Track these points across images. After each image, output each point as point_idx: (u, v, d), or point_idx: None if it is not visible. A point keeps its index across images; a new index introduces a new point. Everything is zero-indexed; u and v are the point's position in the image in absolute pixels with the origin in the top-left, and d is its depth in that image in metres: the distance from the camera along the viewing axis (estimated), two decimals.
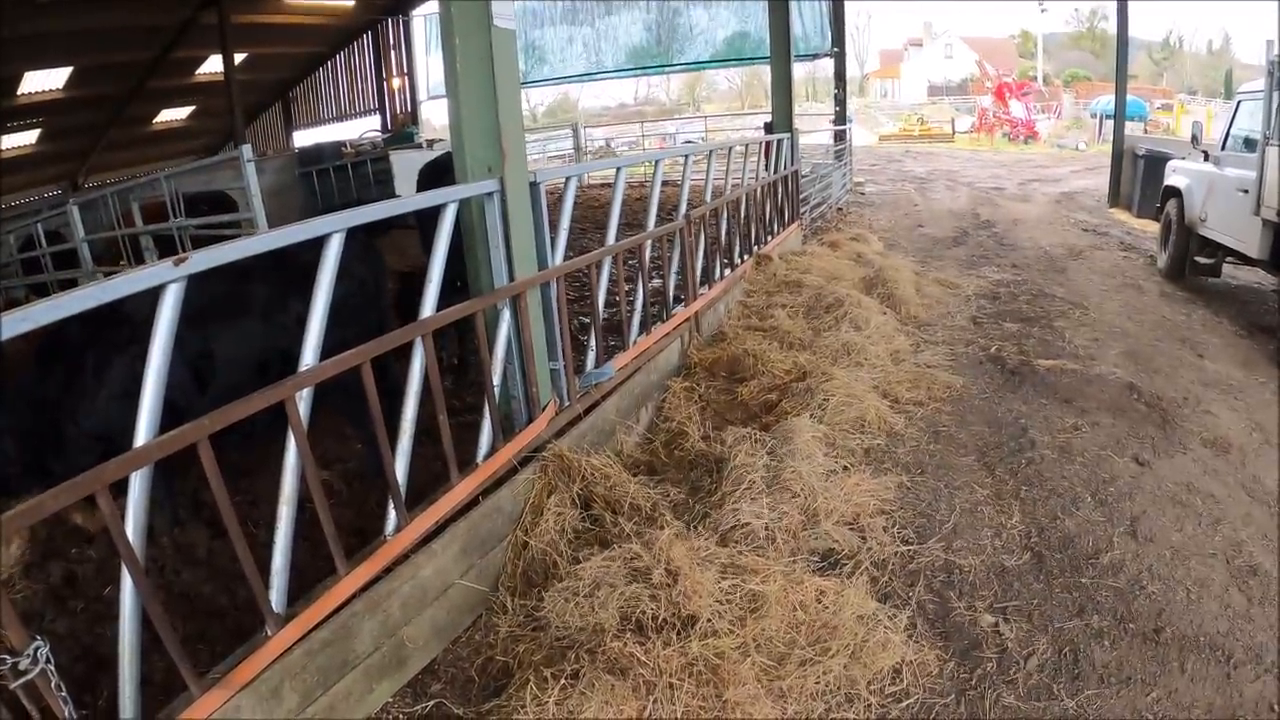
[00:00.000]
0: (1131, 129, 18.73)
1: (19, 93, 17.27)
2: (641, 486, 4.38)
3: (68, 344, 3.82)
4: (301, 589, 3.02)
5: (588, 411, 4.87)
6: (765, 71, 14.08)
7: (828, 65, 20.51)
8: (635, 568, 3.54)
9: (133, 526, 2.50)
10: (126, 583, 2.45)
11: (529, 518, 4.03)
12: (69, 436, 3.78)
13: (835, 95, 19.59)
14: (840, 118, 19.10)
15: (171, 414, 2.61)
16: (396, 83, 24.91)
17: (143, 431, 2.53)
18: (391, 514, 3.39)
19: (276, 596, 2.87)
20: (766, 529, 3.96)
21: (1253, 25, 47.24)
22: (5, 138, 19.05)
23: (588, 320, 5.27)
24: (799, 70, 19.49)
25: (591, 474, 4.26)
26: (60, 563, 4.33)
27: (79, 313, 2.32)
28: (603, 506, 4.17)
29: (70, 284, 9.99)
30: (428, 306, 3.67)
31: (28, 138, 19.79)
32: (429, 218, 4.00)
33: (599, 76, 24.24)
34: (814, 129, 21.15)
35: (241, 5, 18.07)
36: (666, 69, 24.31)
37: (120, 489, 2.44)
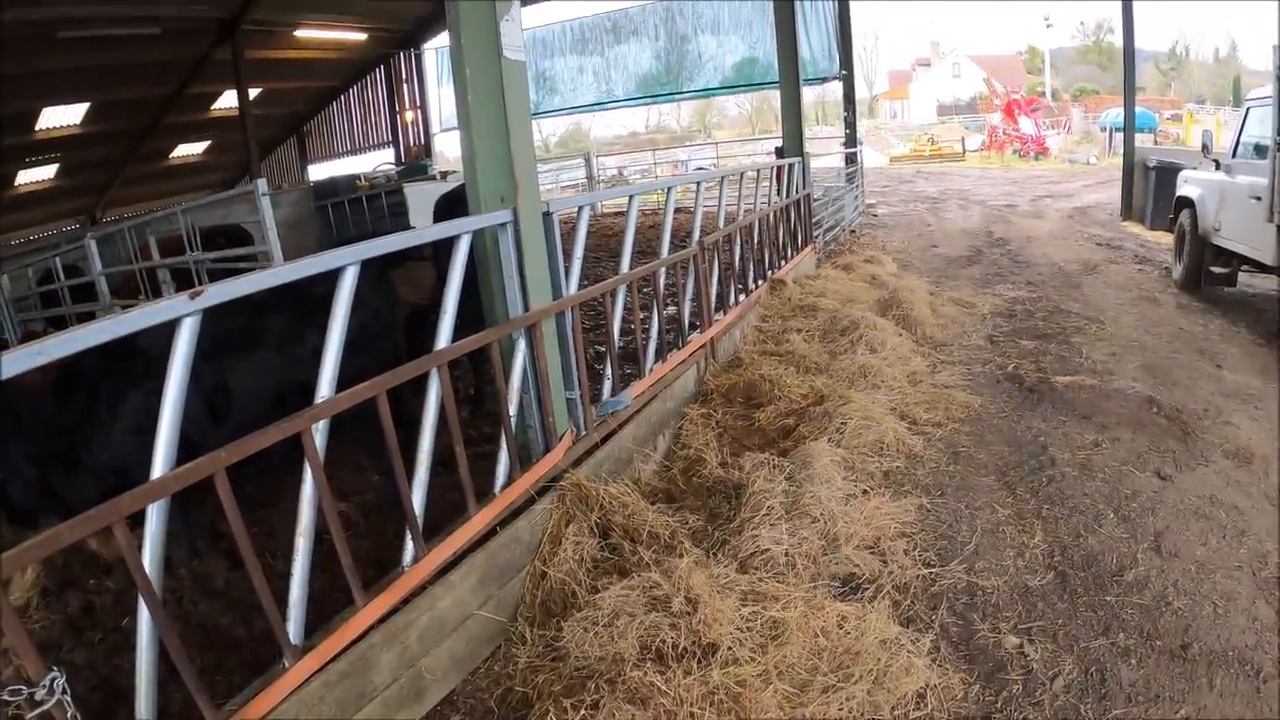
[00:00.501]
0: (1142, 141, 18.75)
1: (37, 128, 17.61)
2: (660, 514, 4.36)
3: (84, 377, 3.84)
4: (319, 620, 3.01)
5: (605, 440, 4.86)
6: (775, 96, 14.13)
7: (837, 88, 20.57)
8: (654, 596, 3.52)
9: (150, 558, 2.50)
10: (144, 614, 2.45)
11: (547, 547, 4.02)
12: (86, 468, 3.80)
13: (845, 118, 19.63)
14: (850, 140, 19.13)
15: (186, 449, 2.62)
16: (409, 115, 25.11)
17: (159, 464, 2.54)
18: (409, 545, 3.39)
19: (294, 628, 2.86)
20: (786, 555, 3.93)
21: (1259, 30, 47.35)
22: (24, 172, 19.45)
23: (603, 349, 5.27)
24: (808, 94, 19.53)
25: (609, 502, 4.25)
26: (78, 593, 4.35)
27: (95, 346, 2.34)
28: (621, 535, 4.15)
29: (88, 317, 10.09)
30: (443, 337, 3.67)
31: (46, 172, 20.15)
32: (445, 249, 4.02)
33: (610, 105, 24.40)
34: (825, 152, 21.17)
35: (255, 41, 18.33)
36: (677, 96, 24.51)
37: (137, 520, 2.44)
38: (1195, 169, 10.24)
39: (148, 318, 2.48)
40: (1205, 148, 9.76)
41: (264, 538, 4.41)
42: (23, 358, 2.19)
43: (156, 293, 9.40)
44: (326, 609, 3.11)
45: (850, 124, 19.34)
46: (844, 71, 19.21)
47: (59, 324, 11.10)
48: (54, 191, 21.06)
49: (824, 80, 19.84)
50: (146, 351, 3.55)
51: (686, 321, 6.34)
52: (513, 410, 4.12)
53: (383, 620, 3.17)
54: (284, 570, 2.95)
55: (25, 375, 2.23)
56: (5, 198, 19.67)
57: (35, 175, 20.13)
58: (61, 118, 18.09)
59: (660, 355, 5.80)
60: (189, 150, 23.62)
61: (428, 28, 23.11)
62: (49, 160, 19.77)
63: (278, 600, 2.79)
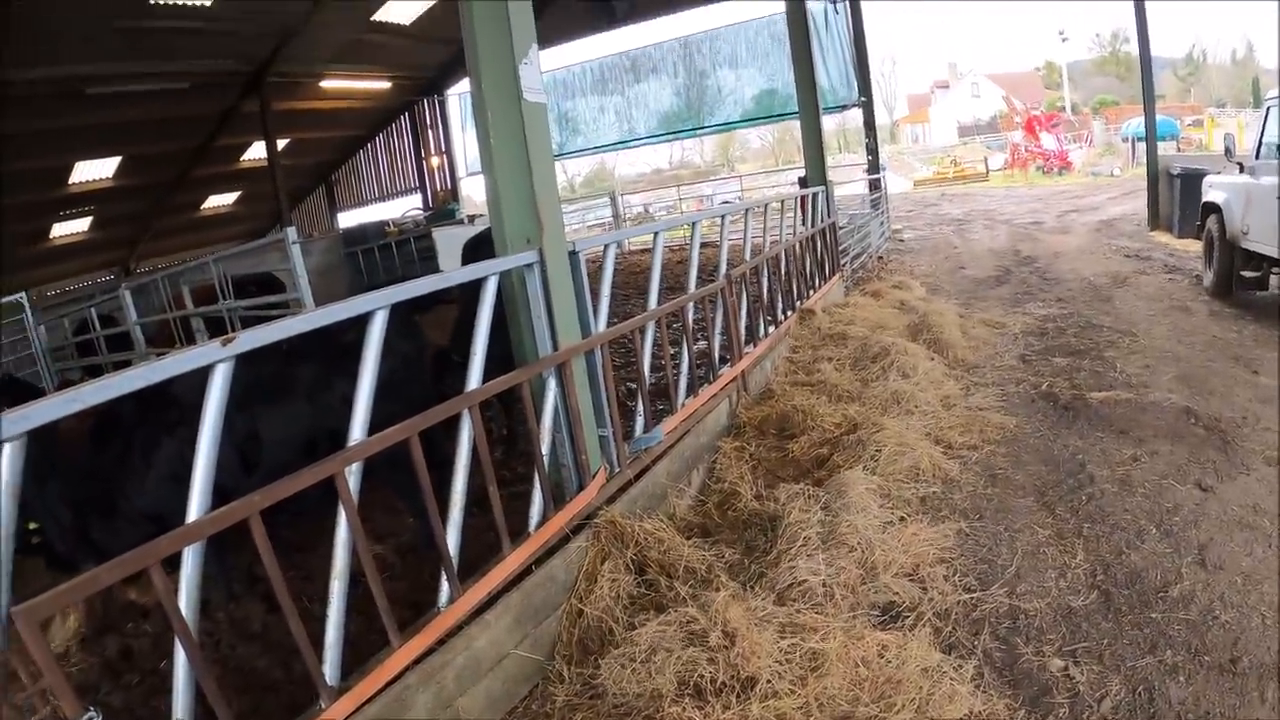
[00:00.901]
0: (1164, 149, 18.58)
1: (70, 182, 18.17)
2: (696, 549, 4.33)
3: (121, 424, 3.91)
4: (356, 662, 3.01)
5: (638, 476, 4.83)
6: (796, 127, 14.21)
7: (857, 115, 20.65)
8: (692, 631, 3.50)
9: (186, 601, 2.52)
10: (181, 656, 2.47)
11: (583, 585, 4.00)
12: (122, 514, 3.86)
13: (866, 144, 19.69)
14: (873, 166, 19.17)
15: (218, 496, 2.65)
16: (435, 161, 25.42)
17: (195, 507, 2.57)
18: (444, 586, 3.39)
19: (330, 669, 2.87)
20: (824, 585, 3.89)
21: (1274, 29, 46.77)
22: (59, 225, 20.10)
23: (634, 385, 5.28)
24: (829, 122, 19.60)
25: (645, 539, 4.22)
26: (116, 637, 4.41)
27: (131, 393, 2.38)
28: (657, 571, 4.12)
29: (124, 366, 10.18)
30: (473, 378, 3.70)
31: (80, 225, 20.77)
32: (472, 292, 4.05)
33: (633, 143, 24.59)
34: (849, 179, 21.21)
35: (281, 93, 18.67)
36: (698, 131, 24.63)
37: (174, 564, 2.47)
38: (1219, 173, 10.11)
39: (181, 364, 2.53)
40: (1228, 151, 9.64)
41: (300, 581, 4.44)
42: (59, 404, 2.24)
43: (191, 341, 9.54)
44: (363, 651, 3.12)
45: (872, 150, 19.40)
46: (863, 98, 19.29)
47: (95, 373, 11.27)
48: (88, 244, 21.67)
49: (844, 108, 19.94)
50: (180, 400, 3.61)
51: (717, 355, 6.33)
52: (545, 449, 4.12)
53: (419, 661, 3.17)
54: (320, 613, 2.96)
55: (62, 422, 2.28)
56: (41, 250, 20.36)
57: (70, 228, 20.77)
58: (94, 171, 18.65)
59: (692, 390, 5.79)
60: (220, 201, 24.12)
61: (449, 74, 23.44)
62: (83, 213, 20.36)
63: (314, 642, 2.80)
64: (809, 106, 12.30)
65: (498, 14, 4.00)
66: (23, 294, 12.64)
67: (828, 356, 7.54)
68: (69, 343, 12.59)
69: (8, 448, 2.21)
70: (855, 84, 19.16)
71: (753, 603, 3.71)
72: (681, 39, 22.48)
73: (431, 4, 17.63)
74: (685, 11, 21.53)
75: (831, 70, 18.94)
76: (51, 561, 3.99)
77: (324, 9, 15.99)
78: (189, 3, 13.89)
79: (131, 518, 3.87)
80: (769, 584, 3.95)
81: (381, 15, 17.53)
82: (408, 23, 18.49)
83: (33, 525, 3.85)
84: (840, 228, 12.11)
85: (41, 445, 2.32)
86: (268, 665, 4.00)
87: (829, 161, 12.26)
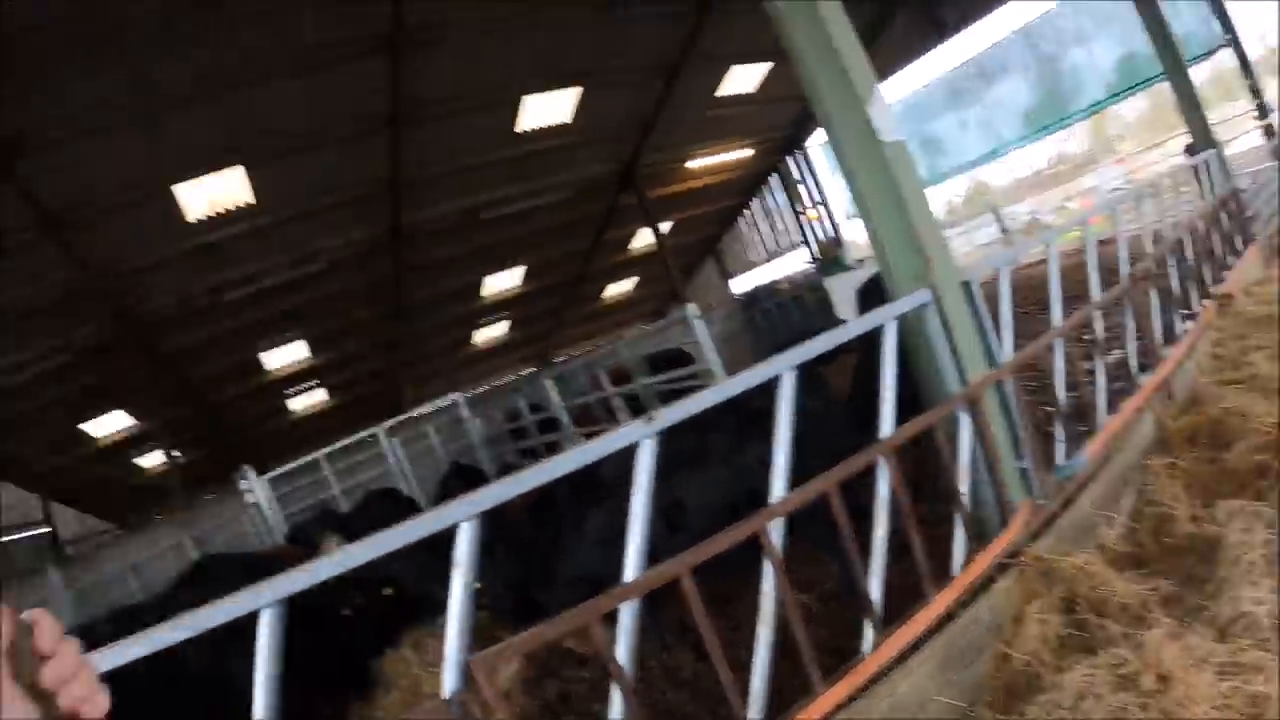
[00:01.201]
0: None
1: (483, 294, 21.52)
2: (1128, 582, 3.96)
3: (553, 495, 4.46)
4: (780, 707, 3.15)
5: (1063, 507, 4.58)
6: (1167, 89, 12.58)
7: (1228, 57, 17.79)
8: (1122, 674, 3.23)
9: (623, 651, 2.81)
10: (616, 700, 2.76)
11: (1009, 628, 3.86)
12: (556, 575, 4.35)
13: (1249, 87, 16.87)
14: (1262, 111, 16.43)
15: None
16: (812, 213, 25.68)
17: (631, 568, 2.87)
18: (868, 632, 3.46)
19: (754, 714, 3.04)
20: (1270, 617, 3.41)
21: None
22: (479, 332, 24.11)
23: (1049, 410, 5.04)
24: (1202, 71, 17.12)
25: (1073, 575, 3.97)
26: (555, 682, 4.93)
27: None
28: (1086, 609, 3.85)
29: (554, 446, 11.70)
30: (886, 425, 3.77)
31: (499, 329, 24.47)
32: (866, 338, 4.16)
33: (1002, 152, 23.35)
34: (1240, 131, 18.39)
35: (654, 182, 19.89)
36: (1065, 121, 22.82)
37: (611, 618, 2.78)
38: None
39: (611, 444, 2.86)
40: None
41: (728, 631, 4.68)
42: (504, 488, 2.69)
43: (612, 419, 10.44)
44: (786, 696, 3.24)
45: (1256, 92, 16.60)
46: (1228, 35, 16.55)
47: (528, 454, 12.98)
48: (507, 343, 25.15)
49: (1210, 53, 17.29)
50: (604, 481, 4.04)
51: (1135, 364, 5.86)
52: (964, 488, 4.09)
53: (841, 707, 3.25)
54: (746, 660, 3.14)
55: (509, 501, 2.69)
56: (466, 355, 24.51)
57: (490, 333, 24.60)
58: (503, 282, 21.68)
59: (1112, 406, 5.40)
60: (618, 289, 26.41)
61: (804, 127, 23.59)
62: (499, 319, 23.69)
63: (740, 689, 2.99)
64: (1172, 62, 10.91)
65: (833, 64, 4.14)
66: (457, 394, 14.93)
67: (1257, 345, 6.57)
68: (502, 431, 14.27)
69: (466, 527, 2.64)
70: (1215, 22, 16.69)
71: (1190, 640, 3.33)
72: (1021, 30, 21.07)
73: (770, 65, 18.00)
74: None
75: (1184, 12, 16.49)
76: (495, 615, 4.59)
77: (670, 100, 16.85)
78: (552, 123, 15.39)
79: (565, 579, 4.35)
80: (1209, 618, 3.55)
81: (724, 90, 18.10)
82: (753, 89, 18.96)
83: (478, 585, 4.47)
84: (1243, 191, 10.67)
85: (489, 517, 2.76)
86: (696, 710, 4.28)
87: (1212, 118, 10.87)
